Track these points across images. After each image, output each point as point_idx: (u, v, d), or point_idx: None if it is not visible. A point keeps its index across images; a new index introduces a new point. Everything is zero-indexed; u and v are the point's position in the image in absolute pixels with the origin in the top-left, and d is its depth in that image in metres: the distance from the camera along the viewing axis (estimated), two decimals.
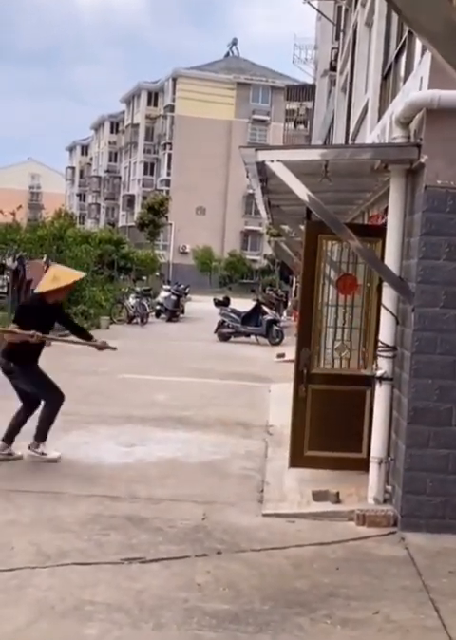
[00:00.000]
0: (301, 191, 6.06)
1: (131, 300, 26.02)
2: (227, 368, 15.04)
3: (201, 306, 33.77)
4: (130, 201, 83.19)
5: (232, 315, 21.67)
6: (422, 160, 5.73)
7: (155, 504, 6.21)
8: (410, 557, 5.31)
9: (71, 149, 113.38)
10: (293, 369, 6.95)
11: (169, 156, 77.42)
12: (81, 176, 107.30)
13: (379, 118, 9.30)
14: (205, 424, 9.52)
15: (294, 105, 39.00)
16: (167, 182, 76.54)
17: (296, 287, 31.14)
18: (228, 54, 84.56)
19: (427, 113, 5.70)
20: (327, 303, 7.13)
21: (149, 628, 4.08)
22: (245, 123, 76.79)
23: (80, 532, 5.45)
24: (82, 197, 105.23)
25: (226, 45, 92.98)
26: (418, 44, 6.82)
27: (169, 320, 27.54)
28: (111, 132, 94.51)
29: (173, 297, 28.23)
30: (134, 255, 39.94)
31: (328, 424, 6.82)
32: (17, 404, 7.38)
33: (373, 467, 6.22)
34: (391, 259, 6.12)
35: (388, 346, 6.16)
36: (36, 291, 7.59)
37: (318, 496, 6.30)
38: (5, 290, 22.30)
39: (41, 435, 7.38)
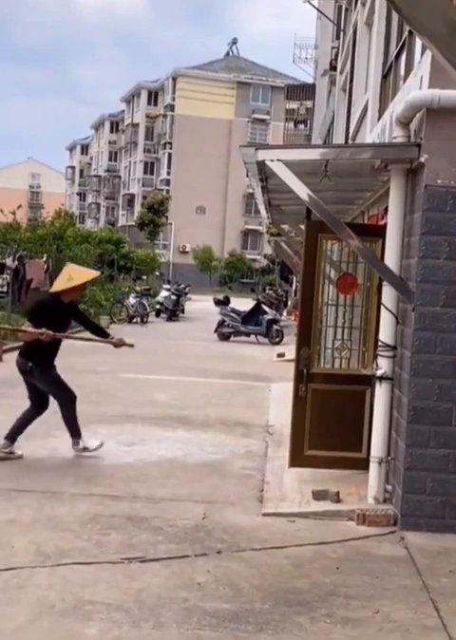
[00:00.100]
0: (301, 190, 6.06)
1: (131, 300, 26.04)
2: (227, 368, 15.04)
3: (201, 305, 33.80)
4: (130, 201, 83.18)
5: (232, 315, 21.67)
6: (422, 160, 5.73)
7: (155, 504, 6.21)
8: (410, 557, 5.31)
9: (71, 149, 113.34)
10: (293, 369, 6.95)
11: (169, 155, 77.40)
12: (81, 175, 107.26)
13: (379, 117, 9.30)
14: (205, 424, 9.52)
15: (294, 105, 39.01)
16: (167, 182, 76.52)
17: (296, 286, 31.14)
18: (228, 53, 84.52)
19: (428, 113, 5.70)
20: (327, 302, 7.13)
21: (149, 627, 4.08)
22: (245, 123, 76.76)
23: (80, 531, 5.45)
24: (82, 196, 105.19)
25: (226, 44, 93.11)
26: (418, 43, 6.82)
27: (169, 319, 27.54)
28: (111, 131, 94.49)
29: (173, 297, 28.23)
30: (134, 255, 39.98)
31: (328, 424, 6.82)
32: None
33: (373, 467, 6.22)
34: (391, 259, 6.13)
35: (388, 345, 6.17)
36: (51, 290, 7.68)
37: (318, 495, 6.30)
38: (5, 289, 22.30)
39: (75, 433, 7.55)
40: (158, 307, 28.39)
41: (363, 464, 6.48)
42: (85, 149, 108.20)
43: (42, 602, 4.29)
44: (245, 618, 4.22)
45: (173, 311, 27.92)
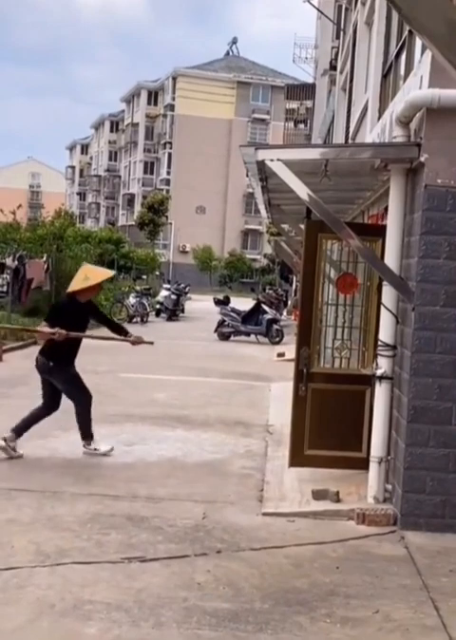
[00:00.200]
0: (301, 190, 6.06)
1: (131, 299, 26.04)
2: (227, 367, 15.04)
3: (201, 305, 33.81)
4: (130, 200, 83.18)
5: (232, 314, 21.67)
6: (422, 160, 5.73)
7: (155, 503, 6.21)
8: (410, 556, 5.31)
9: (71, 148, 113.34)
10: (293, 368, 6.95)
11: (169, 155, 77.39)
12: (81, 175, 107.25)
13: (379, 117, 9.30)
14: (205, 423, 9.52)
15: (294, 105, 39.03)
16: (167, 181, 76.52)
17: (296, 286, 31.13)
18: (228, 53, 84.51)
19: (428, 112, 5.70)
20: (327, 302, 7.13)
21: (149, 626, 4.08)
22: (245, 122, 76.75)
23: (80, 531, 5.45)
24: (82, 196, 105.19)
25: (226, 44, 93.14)
26: (418, 43, 6.82)
27: (169, 319, 27.55)
28: (111, 131, 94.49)
29: (173, 296, 28.24)
30: (134, 255, 40.01)
31: (328, 423, 6.82)
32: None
33: (373, 466, 6.22)
34: (391, 258, 6.12)
35: (387, 345, 6.17)
36: (68, 290, 7.77)
37: (318, 495, 6.30)
38: (5, 289, 22.31)
39: (87, 434, 7.61)
40: (158, 306, 28.39)
41: (363, 464, 6.48)
42: (85, 149, 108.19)
43: (42, 602, 4.29)
44: (245, 618, 4.22)
45: (173, 311, 27.93)
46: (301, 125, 38.28)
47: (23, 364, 13.84)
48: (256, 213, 52.61)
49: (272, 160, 6.08)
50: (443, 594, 4.67)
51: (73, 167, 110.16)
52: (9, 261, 21.19)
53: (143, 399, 10.95)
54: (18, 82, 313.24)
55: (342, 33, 20.90)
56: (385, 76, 9.69)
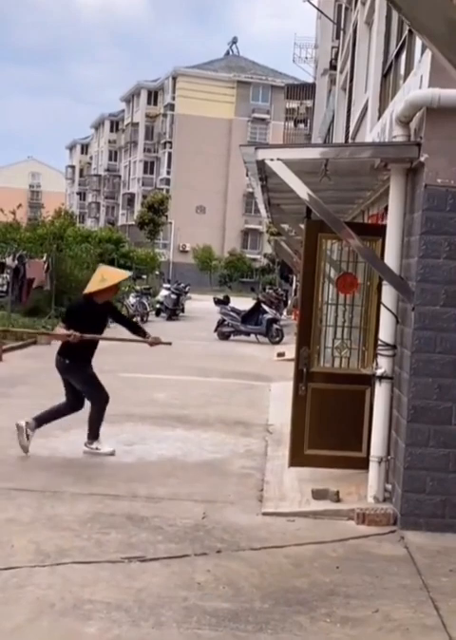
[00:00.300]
0: (301, 190, 6.06)
1: (131, 299, 26.04)
2: (227, 367, 15.04)
3: (201, 305, 33.81)
4: (130, 200, 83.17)
5: (232, 314, 21.67)
6: (422, 159, 5.73)
7: (155, 503, 6.21)
8: (410, 556, 5.31)
9: (71, 148, 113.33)
10: (292, 368, 6.95)
11: (169, 154, 77.38)
12: (81, 174, 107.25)
13: (379, 116, 9.30)
14: (205, 423, 9.52)
15: (294, 104, 39.04)
16: (167, 181, 76.52)
17: (296, 286, 31.13)
18: (228, 53, 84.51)
19: (428, 112, 5.70)
20: (327, 302, 7.13)
21: (149, 626, 4.08)
22: (245, 122, 76.75)
23: (80, 530, 5.45)
24: (82, 195, 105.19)
25: (226, 43, 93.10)
26: (418, 42, 6.81)
27: (169, 319, 27.54)
28: (111, 131, 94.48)
29: (173, 296, 28.23)
30: (134, 254, 39.96)
31: (328, 423, 6.82)
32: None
33: (373, 466, 6.22)
34: (391, 258, 6.12)
35: (387, 344, 6.16)
36: (85, 291, 7.82)
37: (318, 494, 6.30)
38: (5, 288, 22.32)
39: (93, 434, 7.64)
40: (158, 306, 28.39)
41: (363, 464, 6.48)
42: (84, 148, 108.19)
43: (41, 601, 4.29)
44: (245, 617, 4.22)
45: (173, 311, 27.93)
46: (301, 125, 38.28)
47: (23, 363, 13.86)
48: (256, 212, 52.58)
49: (272, 160, 6.07)
50: (443, 594, 4.67)
51: (73, 167, 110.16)
52: (9, 261, 21.20)
53: (143, 398, 10.95)
54: (18, 81, 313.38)
55: (342, 33, 20.89)
56: (385, 76, 9.69)
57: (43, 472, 6.95)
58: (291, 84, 42.56)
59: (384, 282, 6.16)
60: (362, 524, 5.86)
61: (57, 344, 8.20)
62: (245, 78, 77.22)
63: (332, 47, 24.62)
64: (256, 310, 21.65)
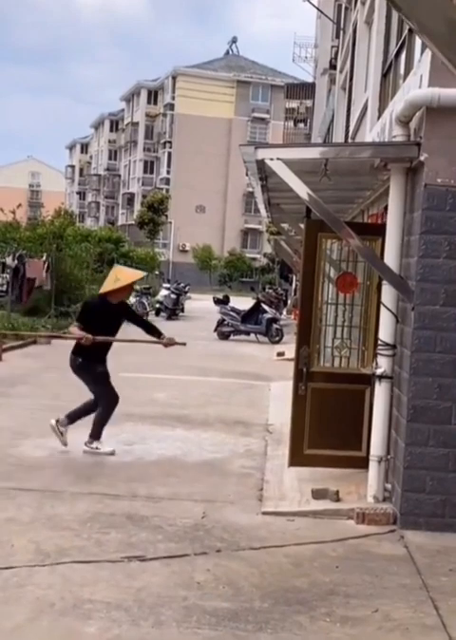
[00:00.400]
0: (301, 189, 6.06)
1: (131, 298, 26.02)
2: (227, 367, 15.04)
3: (201, 304, 33.80)
4: (130, 200, 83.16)
5: (232, 314, 21.67)
6: (422, 159, 5.73)
7: (155, 502, 6.21)
8: (410, 556, 5.31)
9: (71, 147, 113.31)
10: (292, 368, 6.95)
11: (169, 154, 77.36)
12: (80, 174, 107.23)
13: (379, 116, 9.30)
14: (205, 423, 9.52)
15: (293, 104, 39.02)
16: (167, 181, 76.49)
17: (296, 285, 31.13)
18: (228, 52, 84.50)
19: (427, 111, 5.70)
20: (326, 301, 7.13)
21: (149, 625, 4.08)
22: (245, 122, 76.73)
23: (79, 530, 5.45)
24: (81, 195, 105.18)
25: (226, 43, 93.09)
26: (418, 42, 6.81)
27: (169, 318, 27.53)
28: (111, 130, 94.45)
29: (173, 296, 28.22)
30: (134, 254, 39.99)
31: (327, 423, 6.81)
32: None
33: (373, 465, 6.22)
34: (391, 258, 6.12)
35: (387, 344, 6.16)
36: (100, 291, 7.87)
37: (318, 494, 6.30)
38: (5, 288, 22.32)
39: (95, 434, 7.65)
40: (157, 306, 28.37)
41: (362, 463, 6.48)
42: (84, 148, 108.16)
43: (41, 601, 4.29)
44: (245, 617, 4.22)
45: (173, 310, 27.91)
46: (301, 125, 38.26)
47: (22, 363, 13.86)
48: (256, 212, 52.57)
49: (271, 160, 6.07)
50: (442, 594, 4.67)
51: (73, 166, 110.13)
52: (8, 260, 21.21)
53: (143, 398, 10.95)
54: (18, 81, 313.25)
55: (342, 32, 20.88)
56: (385, 75, 9.68)
57: (43, 471, 6.95)
58: (290, 84, 42.54)
59: (384, 282, 6.16)
60: (362, 524, 5.86)
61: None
62: (245, 77, 77.21)
63: (332, 47, 24.62)
64: (256, 309, 21.65)
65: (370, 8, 12.04)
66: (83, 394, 10.51)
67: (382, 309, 6.20)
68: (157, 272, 45.93)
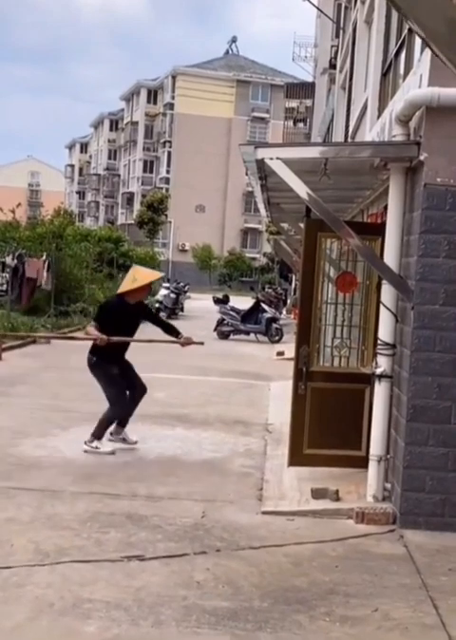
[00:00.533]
0: (300, 189, 6.06)
1: None
2: (226, 366, 15.04)
3: (201, 304, 33.80)
4: (129, 199, 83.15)
5: (231, 313, 21.67)
6: (421, 158, 5.73)
7: (154, 502, 6.21)
8: (409, 555, 5.31)
9: (71, 147, 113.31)
10: (292, 367, 6.95)
11: (169, 153, 77.37)
12: (80, 173, 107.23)
13: (379, 115, 9.30)
14: (205, 422, 9.52)
15: (293, 103, 39.01)
16: (167, 180, 76.50)
17: (296, 285, 31.14)
18: (228, 52, 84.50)
19: (427, 111, 5.70)
20: (326, 301, 7.13)
21: (148, 625, 4.08)
22: (245, 121, 76.74)
23: (79, 529, 5.45)
24: (81, 194, 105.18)
25: (226, 42, 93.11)
26: (418, 41, 6.81)
27: (168, 318, 27.43)
28: (111, 130, 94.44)
29: (172, 295, 28.22)
30: (133, 253, 39.92)
31: (327, 422, 6.81)
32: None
33: (372, 465, 6.22)
34: (391, 257, 6.12)
35: (387, 343, 6.16)
36: (117, 291, 7.93)
37: (317, 493, 6.30)
38: (4, 287, 22.32)
39: (97, 434, 7.66)
40: (157, 305, 28.32)
41: (362, 463, 6.48)
42: (84, 147, 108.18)
43: (41, 600, 4.29)
44: (244, 616, 4.22)
45: (172, 310, 27.91)
46: (301, 124, 38.24)
47: (22, 362, 13.85)
48: (256, 211, 52.54)
49: (271, 159, 6.07)
50: (442, 593, 4.67)
51: (72, 166, 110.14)
52: (8, 260, 21.20)
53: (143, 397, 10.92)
54: (18, 81, 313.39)
55: (342, 32, 20.87)
56: (384, 74, 9.68)
57: (42, 471, 6.95)
58: (290, 83, 42.53)
59: (383, 281, 6.16)
60: (361, 523, 5.86)
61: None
62: (245, 77, 77.22)
63: (332, 46, 24.60)
64: (256, 309, 21.64)
65: (370, 7, 12.04)
66: (82, 394, 10.51)
67: (381, 308, 6.20)
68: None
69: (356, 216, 10.65)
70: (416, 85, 6.16)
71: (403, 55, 8.15)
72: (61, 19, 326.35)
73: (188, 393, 11.64)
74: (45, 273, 21.10)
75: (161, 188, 70.60)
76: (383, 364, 6.18)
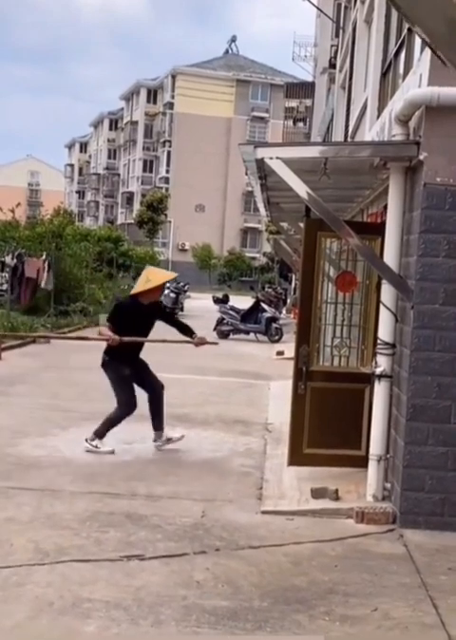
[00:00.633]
0: (300, 188, 6.06)
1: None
2: (226, 366, 15.03)
3: (201, 303, 33.79)
4: (129, 199, 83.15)
5: (231, 313, 21.66)
6: (421, 158, 5.73)
7: (154, 501, 6.21)
8: (409, 555, 5.31)
9: (70, 146, 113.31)
10: (292, 367, 6.95)
11: (168, 153, 77.37)
12: (80, 173, 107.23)
13: (378, 115, 9.29)
14: (204, 422, 9.52)
15: (293, 103, 39.02)
16: (166, 180, 76.52)
17: (296, 284, 31.14)
18: (227, 51, 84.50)
19: (427, 110, 5.70)
20: (326, 300, 7.13)
21: (148, 624, 4.08)
22: (244, 121, 76.76)
23: (78, 529, 5.45)
24: (81, 194, 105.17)
25: (226, 42, 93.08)
26: (417, 41, 6.81)
27: None
28: (110, 129, 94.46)
29: (172, 295, 28.20)
30: (133, 253, 39.94)
31: (327, 422, 6.81)
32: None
33: (372, 464, 6.22)
34: (390, 257, 6.12)
35: (387, 343, 6.16)
36: (131, 292, 7.95)
37: (317, 493, 6.30)
38: (4, 287, 22.32)
39: (100, 433, 7.65)
40: None
41: (362, 462, 6.48)
42: (84, 147, 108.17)
43: (41, 600, 4.29)
44: (244, 616, 4.22)
45: (172, 309, 27.87)
46: (300, 124, 38.24)
47: (21, 362, 13.85)
48: (256, 211, 52.58)
49: (271, 159, 6.07)
50: (441, 592, 4.67)
51: (72, 165, 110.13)
52: (8, 259, 21.20)
53: (143, 397, 10.93)
54: (18, 81, 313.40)
55: (341, 31, 20.87)
56: (384, 74, 9.68)
57: (42, 471, 6.95)
58: (290, 83, 42.54)
59: (383, 281, 6.16)
60: (361, 523, 5.86)
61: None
62: (244, 76, 77.23)
63: (332, 46, 24.59)
64: (256, 308, 21.64)
65: (370, 6, 12.04)
66: (82, 394, 10.52)
67: (381, 308, 6.20)
68: None
69: (356, 215, 10.65)
70: (416, 85, 6.16)
71: (402, 55, 8.15)
72: (61, 19, 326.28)
73: (188, 393, 11.63)
74: (45, 273, 21.09)
75: (161, 188, 70.63)
76: (383, 363, 6.18)
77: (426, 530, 5.75)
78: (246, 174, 7.51)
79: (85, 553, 5.01)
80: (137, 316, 7.55)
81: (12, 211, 24.28)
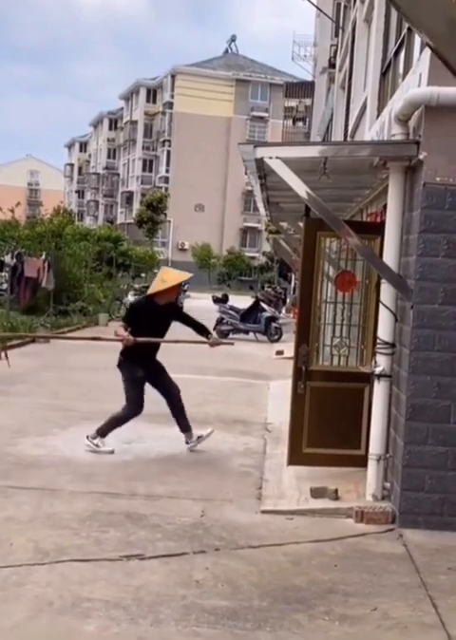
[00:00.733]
0: (300, 188, 6.06)
1: (130, 297, 26.04)
2: (225, 365, 15.02)
3: (200, 303, 33.79)
4: (129, 198, 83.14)
5: (230, 312, 21.66)
6: (421, 158, 5.73)
7: (153, 501, 6.21)
8: (409, 554, 5.31)
9: (70, 146, 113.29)
10: (291, 366, 6.95)
11: (168, 153, 77.36)
12: (79, 173, 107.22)
13: (378, 115, 9.30)
14: (204, 421, 9.50)
15: (293, 102, 39.05)
16: (166, 179, 76.52)
17: (295, 284, 31.14)
18: (227, 51, 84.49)
19: (426, 110, 5.70)
20: (326, 300, 7.13)
21: (147, 624, 4.08)
22: (244, 120, 76.75)
23: (78, 528, 5.45)
24: (80, 194, 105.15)
25: (225, 42, 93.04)
26: (417, 40, 6.81)
27: None
28: (110, 129, 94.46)
29: None
30: (133, 252, 39.97)
31: (326, 421, 6.81)
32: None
33: (372, 464, 6.22)
34: (390, 256, 6.12)
35: (386, 343, 6.16)
36: (147, 293, 7.93)
37: (317, 493, 6.30)
38: (4, 287, 22.30)
39: (103, 431, 7.65)
40: None
41: (361, 462, 6.48)
42: (83, 147, 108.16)
43: (40, 599, 4.29)
44: (243, 615, 4.22)
45: None
46: (300, 123, 38.26)
47: (21, 362, 13.83)
48: (255, 210, 52.62)
49: (271, 158, 6.07)
50: (441, 592, 4.67)
51: (72, 165, 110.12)
52: (7, 259, 21.17)
53: (146, 397, 10.92)
54: (18, 80, 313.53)
55: (341, 31, 20.86)
56: (384, 74, 9.68)
57: (41, 470, 6.95)
58: (290, 83, 42.58)
59: (382, 280, 6.16)
60: (361, 522, 5.86)
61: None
62: (244, 76, 77.23)
63: (331, 45, 24.57)
64: (255, 308, 21.64)
65: (370, 6, 12.04)
66: (82, 393, 10.52)
67: (381, 307, 6.20)
68: (156, 271, 45.90)
69: (356, 215, 10.65)
70: (415, 84, 6.16)
71: (402, 54, 8.15)
72: (61, 19, 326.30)
73: (187, 392, 11.54)
74: (46, 273, 21.07)
75: (161, 187, 70.66)
76: (382, 363, 6.18)
77: (425, 530, 5.75)
78: (246, 173, 7.52)
79: (85, 552, 5.01)
80: (152, 317, 7.53)
81: (12, 210, 24.26)
